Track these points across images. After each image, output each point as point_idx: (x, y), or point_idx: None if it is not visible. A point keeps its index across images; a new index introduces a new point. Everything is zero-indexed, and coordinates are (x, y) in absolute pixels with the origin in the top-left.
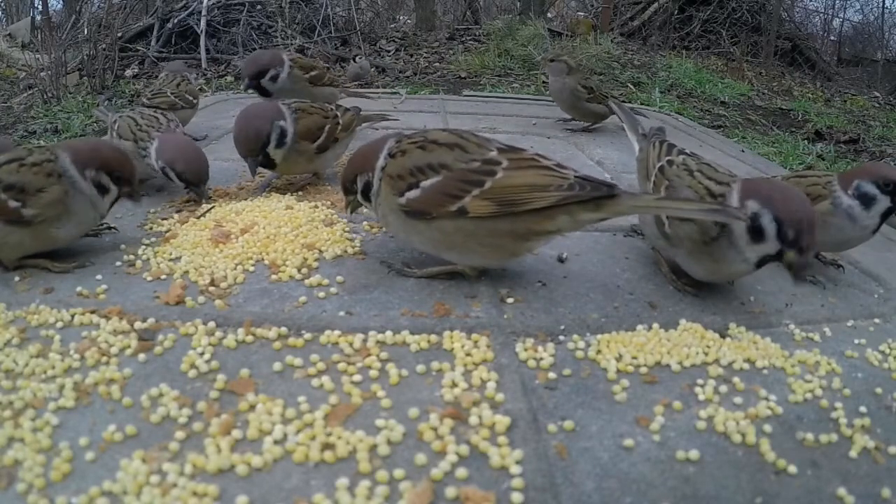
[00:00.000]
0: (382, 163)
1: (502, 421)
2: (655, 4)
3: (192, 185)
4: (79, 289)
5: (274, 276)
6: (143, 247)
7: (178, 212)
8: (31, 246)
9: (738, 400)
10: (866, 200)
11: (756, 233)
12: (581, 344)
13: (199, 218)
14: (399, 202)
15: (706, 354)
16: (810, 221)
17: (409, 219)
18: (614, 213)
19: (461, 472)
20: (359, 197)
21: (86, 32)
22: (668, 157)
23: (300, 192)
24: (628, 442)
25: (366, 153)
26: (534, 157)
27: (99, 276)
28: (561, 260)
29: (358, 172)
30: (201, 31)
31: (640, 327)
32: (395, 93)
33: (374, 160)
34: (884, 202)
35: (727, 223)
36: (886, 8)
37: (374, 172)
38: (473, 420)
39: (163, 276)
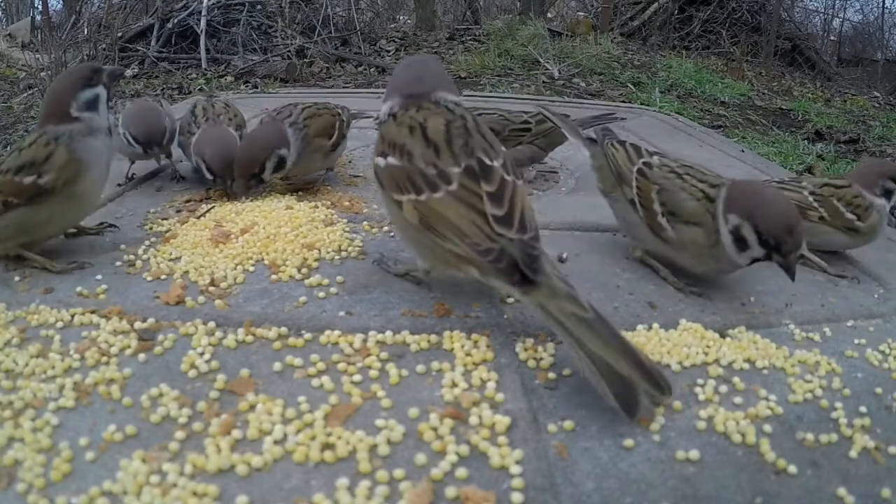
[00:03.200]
0: (388, 109)
1: (502, 421)
2: (655, 4)
3: (143, 145)
4: (79, 289)
5: (274, 276)
6: (143, 247)
7: (178, 212)
8: (65, 217)
9: (738, 400)
10: (890, 196)
11: (741, 242)
12: None
13: (199, 218)
14: (375, 161)
15: (706, 354)
16: (789, 227)
17: (377, 179)
18: (523, 299)
19: (461, 472)
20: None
21: (86, 32)
22: (643, 160)
23: (300, 192)
24: (628, 442)
25: (412, 73)
26: (481, 196)
27: (99, 276)
28: (561, 260)
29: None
30: (201, 31)
31: (640, 327)
32: None
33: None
34: None
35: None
36: (886, 8)
37: (382, 108)
38: (473, 420)
39: (163, 276)
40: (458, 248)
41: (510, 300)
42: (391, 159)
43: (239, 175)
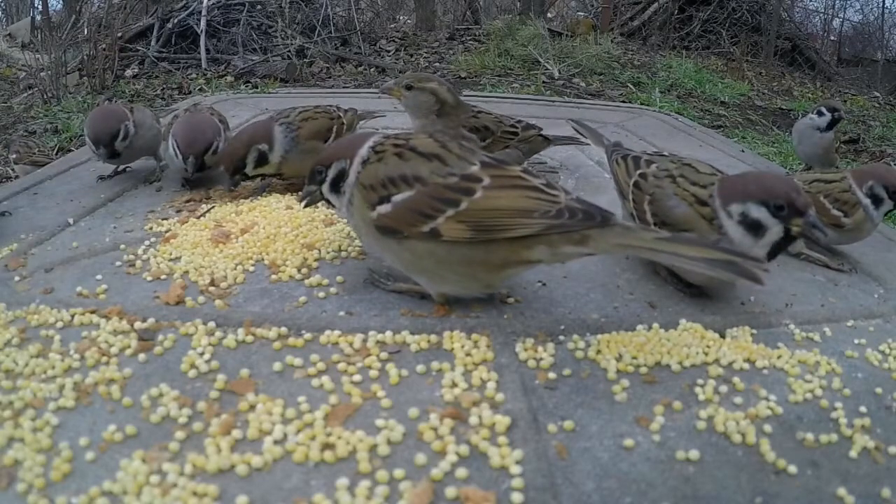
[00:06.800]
0: (366, 154)
1: (502, 421)
2: (655, 4)
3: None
4: (79, 289)
5: (274, 276)
6: (143, 247)
7: (178, 212)
8: None
9: (738, 400)
10: (876, 201)
11: (755, 227)
12: (581, 344)
13: (199, 218)
14: (371, 216)
15: (706, 354)
16: (794, 187)
17: (381, 235)
18: (601, 249)
19: (461, 472)
20: (325, 188)
21: (86, 32)
22: (639, 172)
23: (300, 192)
24: (628, 442)
25: (350, 141)
26: (520, 175)
27: (99, 276)
28: None
29: (336, 158)
30: (201, 31)
31: (640, 327)
32: None
33: (356, 148)
34: (888, 205)
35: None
36: (886, 8)
37: (353, 163)
38: (473, 420)
39: (163, 276)
40: (530, 228)
41: (510, 300)
42: (399, 196)
43: (224, 170)
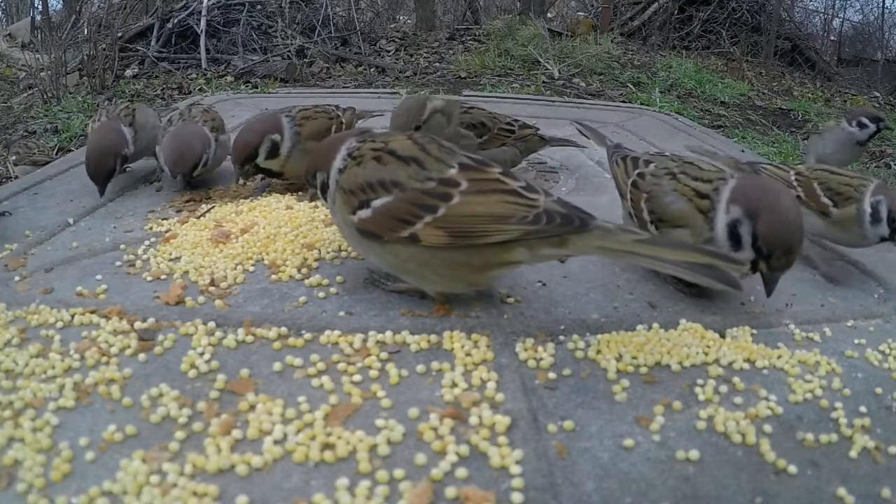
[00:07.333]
0: (340, 164)
1: (502, 421)
2: (655, 4)
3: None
4: (79, 289)
5: (274, 276)
6: (143, 247)
7: (178, 212)
8: None
9: (738, 400)
10: (875, 216)
11: (734, 239)
12: (581, 344)
13: (199, 218)
14: (352, 220)
15: (706, 354)
16: (788, 244)
17: (363, 238)
18: (581, 250)
19: (461, 472)
20: (318, 192)
21: (86, 32)
22: (637, 171)
23: (300, 192)
24: (628, 442)
25: (325, 150)
26: (498, 178)
27: (99, 276)
28: (561, 260)
29: (316, 169)
30: (201, 31)
31: (640, 327)
32: (395, 93)
33: (331, 159)
34: (883, 227)
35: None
36: (886, 8)
37: (330, 174)
38: (473, 420)
39: (163, 276)
40: (507, 234)
41: (510, 300)
42: (378, 202)
43: (235, 160)
